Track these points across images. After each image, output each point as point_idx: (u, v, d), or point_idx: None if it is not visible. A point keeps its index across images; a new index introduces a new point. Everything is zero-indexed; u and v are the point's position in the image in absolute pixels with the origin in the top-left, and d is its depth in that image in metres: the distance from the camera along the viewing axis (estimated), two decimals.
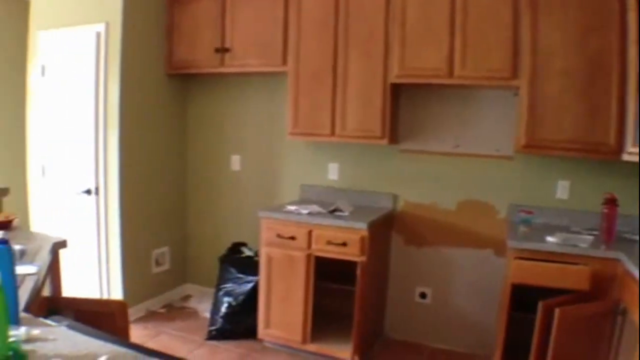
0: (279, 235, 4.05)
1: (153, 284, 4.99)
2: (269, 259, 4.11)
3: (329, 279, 4.14)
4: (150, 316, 4.82)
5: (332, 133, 4.22)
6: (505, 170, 4.11)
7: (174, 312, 4.97)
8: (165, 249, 5.10)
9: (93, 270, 4.67)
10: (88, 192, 4.59)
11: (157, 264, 5.02)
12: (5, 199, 3.80)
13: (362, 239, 3.82)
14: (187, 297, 5.31)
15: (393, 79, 4.01)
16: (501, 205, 4.15)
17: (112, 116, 4.48)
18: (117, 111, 4.46)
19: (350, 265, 3.90)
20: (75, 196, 4.66)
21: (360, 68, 4.09)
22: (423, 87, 4.23)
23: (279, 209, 4.22)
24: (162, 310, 4.97)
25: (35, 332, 1.81)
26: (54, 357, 1.56)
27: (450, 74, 3.81)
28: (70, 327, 1.93)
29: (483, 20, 3.69)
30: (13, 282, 1.92)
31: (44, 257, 2.78)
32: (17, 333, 1.74)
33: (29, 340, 1.74)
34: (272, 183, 4.92)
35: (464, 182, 4.24)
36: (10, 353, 1.62)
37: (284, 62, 4.36)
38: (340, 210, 4.12)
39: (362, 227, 3.82)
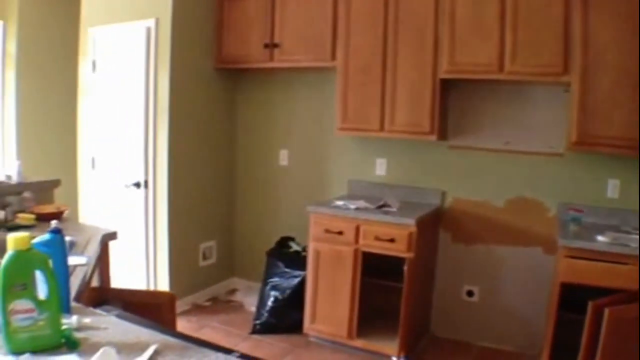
0: (327, 230, 4.11)
1: (199, 277, 5.10)
2: (317, 254, 4.17)
3: (376, 275, 4.17)
4: (195, 309, 4.93)
5: (381, 128, 4.26)
6: (555, 168, 4.09)
7: (219, 305, 5.07)
8: (212, 242, 5.22)
9: (140, 263, 4.81)
10: (137, 185, 4.72)
11: (204, 257, 5.13)
12: (56, 191, 3.94)
13: (410, 235, 3.85)
14: (232, 291, 5.41)
15: (442, 74, 4.02)
16: (551, 203, 4.12)
17: (161, 110, 4.61)
18: (166, 105, 4.58)
19: (397, 262, 3.93)
20: (125, 189, 4.80)
21: (409, 63, 4.12)
22: (473, 83, 4.23)
23: (327, 203, 4.28)
24: (207, 304, 5.08)
25: (87, 320, 1.89)
26: (106, 345, 1.64)
27: (501, 69, 3.80)
28: (119, 316, 2.01)
29: (534, 14, 3.67)
30: (65, 270, 2.01)
31: (94, 248, 2.88)
32: (69, 321, 1.83)
33: (81, 328, 1.82)
34: (320, 178, 4.98)
35: (513, 179, 4.23)
36: (63, 340, 1.71)
37: (333, 57, 4.41)
38: (388, 206, 4.15)
39: (410, 223, 3.85)
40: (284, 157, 5.14)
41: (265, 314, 4.48)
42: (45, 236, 1.91)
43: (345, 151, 4.83)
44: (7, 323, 1.66)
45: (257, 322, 4.51)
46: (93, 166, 5.09)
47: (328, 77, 4.74)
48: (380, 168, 4.70)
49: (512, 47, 3.75)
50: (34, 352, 1.63)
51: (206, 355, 1.63)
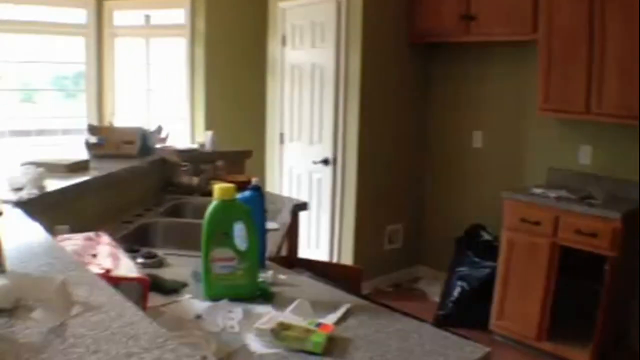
0: (522, 219, 4.01)
1: (383, 261, 5.18)
2: (510, 244, 4.09)
3: (570, 272, 4.00)
4: (376, 294, 5.00)
5: (587, 110, 4.03)
6: None
7: (401, 292, 5.13)
8: (399, 226, 5.28)
9: (324, 241, 5.00)
10: (325, 161, 4.89)
11: (390, 241, 5.22)
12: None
13: (615, 231, 3.65)
14: (416, 279, 5.44)
15: None
16: None
17: (352, 86, 4.74)
18: (357, 81, 4.71)
19: (595, 260, 3.75)
20: (312, 165, 4.99)
21: (620, 35, 3.85)
22: None
23: (524, 190, 4.18)
24: (389, 289, 5.16)
25: (282, 276, 2.03)
26: (300, 299, 1.74)
27: None
28: (311, 278, 2.13)
29: None
30: (263, 226, 2.15)
31: (285, 216, 3.05)
32: (264, 275, 1.97)
33: (275, 283, 1.96)
34: (516, 163, 4.85)
35: None
36: (258, 292, 1.84)
37: (534, 29, 4.24)
38: (593, 198, 3.96)
39: (615, 217, 3.65)
40: (477, 138, 5.07)
41: (450, 305, 4.47)
42: (246, 193, 2.05)
43: (545, 135, 4.66)
44: (208, 269, 1.83)
45: (441, 312, 4.51)
46: (281, 141, 5.34)
47: (527, 52, 4.58)
48: (585, 156, 4.48)
49: None
50: (231, 299, 1.77)
51: (398, 320, 1.69)
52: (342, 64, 4.77)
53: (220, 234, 1.83)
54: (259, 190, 2.13)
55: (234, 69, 5.72)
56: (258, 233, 1.92)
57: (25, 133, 6.72)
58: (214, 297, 1.81)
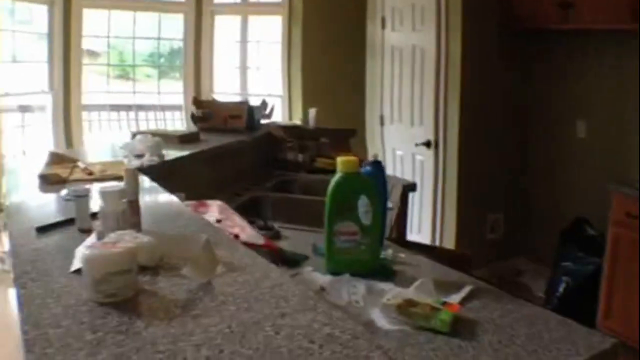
0: (628, 214, 3.85)
1: (485, 251, 5.09)
2: (616, 240, 3.93)
3: None
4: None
5: None
6: None
7: (505, 285, 5.00)
8: (500, 215, 5.18)
9: (425, 225, 4.97)
10: (428, 144, 4.85)
11: (492, 230, 5.13)
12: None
13: None
14: (519, 272, 5.33)
15: None
16: None
17: (453, 71, 4.67)
18: (458, 66, 4.63)
19: None
20: (415, 147, 4.96)
21: None
22: None
23: (631, 183, 4.00)
24: (492, 281, 5.07)
25: (401, 255, 2.02)
26: (422, 278, 1.73)
27: None
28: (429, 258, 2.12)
29: None
30: (385, 202, 2.13)
31: (396, 196, 3.04)
32: (385, 253, 1.97)
33: (394, 261, 1.96)
34: (623, 154, 4.67)
35: None
36: (378, 269, 1.84)
37: (634, 19, 4.04)
38: None
39: None
40: (581, 128, 4.91)
41: (556, 301, 4.37)
42: (367, 167, 2.04)
43: None
44: (330, 243, 1.83)
45: (548, 307, 4.41)
46: (381, 123, 5.33)
47: (628, 44, 4.38)
48: None
49: None
50: (352, 274, 1.77)
51: (523, 305, 1.65)
52: (442, 48, 4.70)
53: (344, 208, 1.82)
54: (380, 165, 2.10)
55: (331, 49, 5.72)
56: (382, 208, 1.92)
57: (126, 108, 6.97)
58: (335, 271, 1.81)
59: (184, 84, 6.76)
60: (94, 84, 6.73)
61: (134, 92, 6.98)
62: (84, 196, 1.50)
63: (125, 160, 2.52)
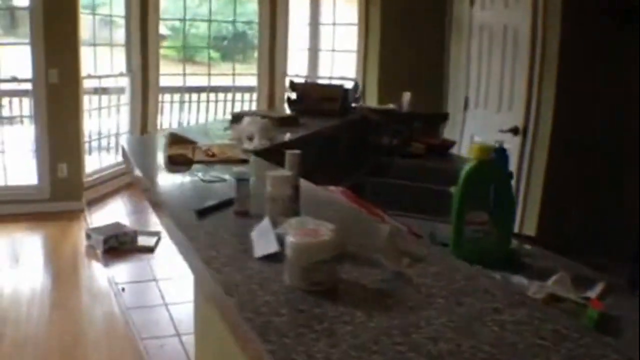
0: None
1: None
2: None
3: None
4: None
5: None
6: None
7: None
8: (583, 212, 5.04)
9: None
10: (515, 131, 4.73)
11: (576, 229, 4.99)
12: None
13: None
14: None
15: None
16: None
17: (550, 54, 4.52)
18: (556, 49, 4.48)
19: None
20: (498, 134, 4.85)
21: None
22: None
23: None
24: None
25: (527, 246, 1.99)
26: (561, 272, 1.67)
27: None
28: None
29: None
30: (512, 191, 2.06)
31: None
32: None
33: (521, 253, 1.91)
34: None
35: None
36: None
37: None
38: None
39: None
40: None
41: None
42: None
43: None
44: (459, 232, 1.78)
45: None
46: (466, 106, 5.23)
47: None
48: None
49: None
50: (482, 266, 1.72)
51: None
52: (539, 28, 4.56)
53: (476, 196, 1.78)
54: (505, 152, 2.05)
55: (412, 29, 5.62)
56: (511, 196, 1.87)
57: (199, 90, 7.03)
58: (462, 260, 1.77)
59: (258, 66, 6.78)
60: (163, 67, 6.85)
61: (209, 75, 7.05)
62: (246, 179, 1.50)
63: (235, 142, 2.52)
